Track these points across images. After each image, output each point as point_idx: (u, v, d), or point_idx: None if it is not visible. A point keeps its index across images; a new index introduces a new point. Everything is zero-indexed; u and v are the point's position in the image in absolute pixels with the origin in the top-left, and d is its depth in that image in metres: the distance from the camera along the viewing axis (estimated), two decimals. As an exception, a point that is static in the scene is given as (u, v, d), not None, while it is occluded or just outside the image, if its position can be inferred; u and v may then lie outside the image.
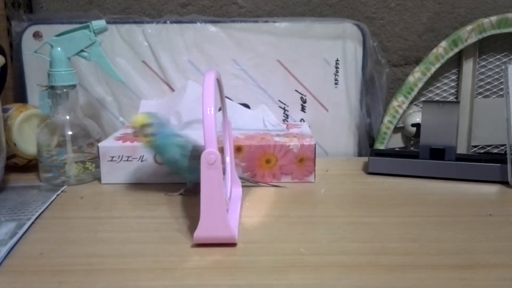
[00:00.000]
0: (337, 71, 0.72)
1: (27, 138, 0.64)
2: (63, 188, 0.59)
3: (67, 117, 0.62)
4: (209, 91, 0.43)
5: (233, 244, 0.44)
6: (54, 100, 0.62)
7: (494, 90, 0.75)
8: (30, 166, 0.66)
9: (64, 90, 0.61)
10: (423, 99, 0.75)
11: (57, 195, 0.57)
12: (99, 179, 0.63)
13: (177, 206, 0.54)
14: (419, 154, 0.64)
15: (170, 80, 0.72)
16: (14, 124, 0.63)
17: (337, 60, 0.72)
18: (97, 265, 0.41)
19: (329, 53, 0.72)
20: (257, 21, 0.71)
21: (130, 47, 0.72)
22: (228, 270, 0.40)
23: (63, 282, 0.38)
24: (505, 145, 0.77)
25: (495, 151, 0.77)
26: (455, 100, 0.74)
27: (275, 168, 0.61)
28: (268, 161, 0.61)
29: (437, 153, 0.63)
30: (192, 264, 0.42)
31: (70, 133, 0.62)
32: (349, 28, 0.71)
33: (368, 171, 0.64)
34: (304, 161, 0.61)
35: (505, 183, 0.59)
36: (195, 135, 0.64)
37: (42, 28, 0.72)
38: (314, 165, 0.61)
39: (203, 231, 0.43)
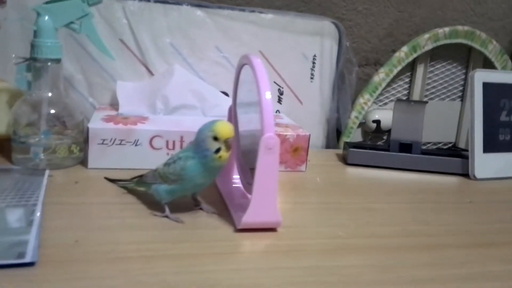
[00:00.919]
0: (313, 66, 0.75)
1: (-4, 116, 0.56)
2: (48, 173, 0.53)
3: (49, 94, 0.56)
4: (263, 75, 0.43)
5: (273, 229, 0.45)
6: (34, 74, 0.55)
7: (439, 94, 0.85)
8: (-10, 146, 0.58)
9: (49, 63, 0.55)
10: (382, 97, 0.82)
11: (47, 179, 0.51)
12: (81, 163, 0.58)
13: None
14: (389, 147, 0.70)
15: (149, 62, 0.69)
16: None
17: (314, 55, 0.75)
18: (146, 251, 0.39)
19: (308, 48, 0.75)
20: (243, 10, 0.71)
21: (106, 23, 0.66)
22: (279, 253, 0.41)
23: (124, 270, 0.36)
24: (450, 142, 0.87)
25: (444, 147, 0.87)
26: (424, 100, 0.82)
27: (270, 157, 0.62)
28: (264, 150, 0.62)
29: (405, 147, 0.70)
30: (245, 248, 0.42)
31: (52, 111, 0.56)
32: (327, 26, 0.75)
33: (347, 162, 0.69)
34: (298, 151, 0.63)
35: (465, 175, 0.68)
36: (182, 120, 0.63)
37: (4, -8, 0.63)
38: (307, 155, 0.64)
39: (252, 216, 0.43)
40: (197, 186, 0.46)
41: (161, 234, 0.42)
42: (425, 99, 0.84)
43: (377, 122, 0.80)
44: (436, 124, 0.85)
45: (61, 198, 0.48)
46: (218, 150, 0.43)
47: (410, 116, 0.70)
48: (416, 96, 0.83)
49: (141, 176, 0.49)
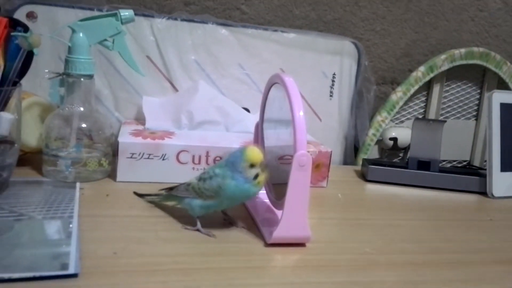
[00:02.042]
0: (332, 84, 0.77)
1: (28, 128, 0.58)
2: (79, 186, 0.55)
3: (81, 108, 0.57)
4: (297, 94, 0.44)
5: (302, 244, 0.46)
6: (68, 89, 0.57)
7: (454, 113, 0.87)
8: (21, 159, 0.60)
9: (82, 79, 0.57)
10: (398, 115, 0.83)
11: (80, 192, 0.53)
12: (110, 176, 0.59)
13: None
14: (408, 165, 0.72)
15: (173, 78, 0.70)
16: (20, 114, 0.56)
17: (334, 74, 0.77)
18: (183, 264, 0.40)
19: (328, 66, 0.76)
20: (266, 29, 0.73)
21: (134, 39, 0.68)
22: (310, 268, 0.42)
23: (164, 282, 0.37)
24: (465, 161, 0.89)
25: (459, 165, 0.88)
26: (442, 119, 0.84)
27: (292, 173, 0.63)
28: (286, 166, 0.63)
29: (424, 165, 0.71)
30: (276, 263, 0.43)
31: (84, 125, 0.57)
32: (347, 45, 0.77)
33: (367, 178, 0.70)
34: (320, 167, 0.64)
35: (483, 193, 0.69)
36: (207, 135, 0.64)
37: (37, 9, 0.65)
38: (328, 171, 0.65)
39: (283, 231, 0.44)
40: (232, 203, 0.47)
41: (195, 247, 0.43)
42: (440, 118, 0.85)
43: (394, 139, 0.81)
44: (451, 143, 0.86)
45: (94, 211, 0.49)
46: (256, 176, 0.44)
47: (429, 134, 0.71)
48: (432, 114, 0.84)
49: (170, 189, 0.50)
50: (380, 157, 0.84)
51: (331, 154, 0.65)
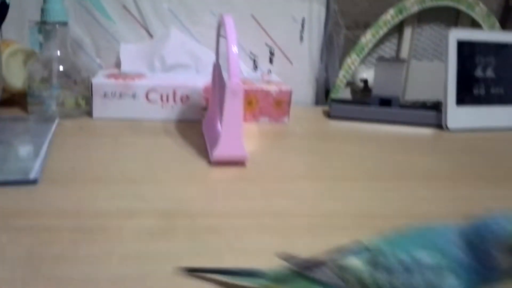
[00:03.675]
0: (302, 29, 0.81)
1: (13, 72, 0.65)
2: (57, 120, 0.62)
3: (58, 53, 0.64)
4: (232, 31, 0.49)
5: (243, 164, 0.52)
6: (45, 36, 0.63)
7: (427, 55, 0.90)
8: (11, 100, 0.67)
9: (57, 26, 0.63)
10: (371, 57, 0.87)
11: (55, 125, 0.60)
12: (88, 114, 0.66)
13: (174, 134, 0.60)
14: (371, 102, 0.76)
15: (149, 26, 0.76)
16: (1, 58, 0.63)
17: (303, 18, 0.81)
18: (130, 176, 0.47)
19: (297, 11, 0.80)
20: (235, -24, 0.77)
21: (111, -10, 0.74)
22: (247, 181, 0.48)
23: (113, 190, 0.44)
24: (439, 100, 0.92)
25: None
26: (403, 58, 0.87)
27: (255, 110, 0.69)
28: (249, 103, 0.69)
29: (385, 102, 0.75)
30: (218, 175, 0.49)
31: (61, 68, 0.64)
32: (315, -10, 0.80)
33: (330, 115, 0.75)
34: (281, 104, 0.70)
35: (439, 126, 0.73)
36: (175, 76, 0.70)
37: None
38: (289, 108, 0.70)
39: (222, 151, 0.50)
40: None
41: (145, 164, 0.50)
42: (413, 60, 0.88)
43: (365, 81, 0.85)
44: (425, 83, 0.89)
45: (65, 139, 0.56)
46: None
47: (390, 73, 0.75)
48: (404, 56, 0.87)
49: (303, 267, 0.28)
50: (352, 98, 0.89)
51: (291, 92, 0.69)
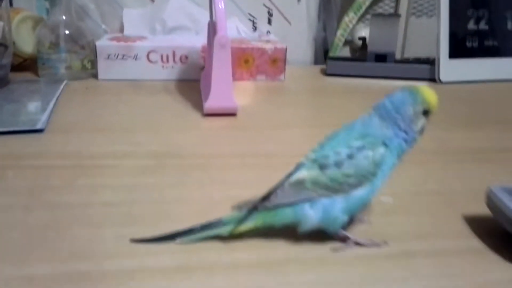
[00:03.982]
0: (299, -12, 0.83)
1: (24, 38, 0.69)
2: (65, 82, 0.66)
3: (63, 17, 0.68)
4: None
5: (233, 115, 0.55)
6: (51, 2, 0.67)
7: (426, 11, 0.90)
8: (23, 66, 0.72)
9: (61, -7, 0.67)
10: (369, 16, 0.88)
11: (64, 86, 0.64)
12: (94, 76, 0.70)
13: (173, 92, 0.64)
14: (367, 58, 0.78)
15: (150, -9, 0.79)
16: (12, 24, 0.67)
17: (300, -22, 0.83)
18: (127, 125, 0.51)
19: (293, -29, 0.82)
20: None
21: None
22: (236, 129, 0.52)
23: (111, 138, 0.48)
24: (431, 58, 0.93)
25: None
26: (397, 13, 0.88)
27: (252, 68, 0.72)
28: (246, 62, 0.71)
29: (381, 58, 0.77)
30: (210, 125, 0.53)
31: (67, 32, 0.68)
32: (311, -51, 0.82)
33: (327, 72, 0.77)
34: (276, 62, 0.72)
35: (433, 80, 0.75)
36: (175, 38, 0.74)
37: None
38: (285, 66, 0.73)
39: (213, 102, 0.54)
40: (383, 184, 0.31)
41: (142, 113, 0.54)
42: (412, 17, 0.89)
43: (363, 39, 0.87)
44: (424, 40, 0.90)
45: (72, 96, 0.61)
46: (423, 130, 0.31)
47: (385, 29, 0.77)
48: (402, 13, 0.88)
49: (252, 208, 0.30)
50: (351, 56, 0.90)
51: (286, 49, 0.72)
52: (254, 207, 0.30)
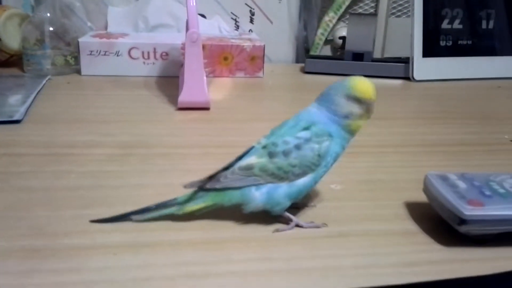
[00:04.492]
0: (281, -12, 0.85)
1: (10, 35, 0.72)
2: (48, 77, 0.68)
3: (48, 15, 0.70)
4: (191, -14, 0.54)
5: (207, 109, 0.58)
6: (36, 0, 0.70)
7: (404, 11, 0.92)
8: (10, 62, 0.74)
9: (45, -10, 0.69)
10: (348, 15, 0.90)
11: (46, 80, 0.66)
12: (78, 72, 0.72)
13: (153, 88, 0.66)
14: (344, 57, 0.80)
15: (135, -10, 0.82)
16: (-2, 21, 0.70)
17: (281, -22, 0.85)
18: (110, 116, 0.54)
19: (275, -29, 0.84)
20: None
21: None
22: (207, 122, 0.54)
23: (88, 131, 0.50)
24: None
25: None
26: (374, 13, 0.90)
27: (231, 65, 0.74)
28: (225, 59, 0.74)
29: (358, 56, 0.79)
30: (181, 118, 0.55)
31: (51, 29, 0.70)
32: (292, -50, 0.84)
33: (305, 70, 0.80)
34: (255, 59, 0.75)
35: (407, 78, 0.77)
36: (156, 35, 0.76)
37: None
38: (263, 63, 0.75)
39: (186, 96, 0.56)
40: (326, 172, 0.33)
41: (125, 110, 0.56)
42: (392, 17, 0.91)
43: (343, 38, 0.89)
44: (404, 40, 0.92)
45: (52, 91, 0.63)
46: (350, 116, 0.32)
47: (363, 28, 0.79)
48: (382, 13, 0.90)
49: (198, 188, 0.32)
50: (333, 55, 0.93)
51: (264, 47, 0.74)
52: (204, 187, 0.32)
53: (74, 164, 0.41)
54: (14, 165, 0.40)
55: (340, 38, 0.89)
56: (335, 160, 0.33)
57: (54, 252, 0.29)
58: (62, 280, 0.26)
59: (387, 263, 0.29)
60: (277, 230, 0.32)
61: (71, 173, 0.39)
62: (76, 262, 0.28)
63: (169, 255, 0.29)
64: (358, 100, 0.32)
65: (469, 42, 0.77)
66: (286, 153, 0.32)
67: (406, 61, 0.79)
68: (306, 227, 0.33)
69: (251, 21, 0.86)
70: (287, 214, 0.33)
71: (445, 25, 0.76)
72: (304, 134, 0.32)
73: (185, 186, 0.33)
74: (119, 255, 0.29)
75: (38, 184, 0.37)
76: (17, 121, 0.50)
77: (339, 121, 0.32)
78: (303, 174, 0.32)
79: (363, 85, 0.32)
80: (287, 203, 0.32)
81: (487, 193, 0.31)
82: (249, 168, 0.32)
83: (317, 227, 0.33)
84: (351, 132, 0.33)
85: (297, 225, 0.33)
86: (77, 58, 0.72)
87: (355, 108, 0.32)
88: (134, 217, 0.32)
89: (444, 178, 0.33)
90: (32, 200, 0.35)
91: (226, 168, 0.33)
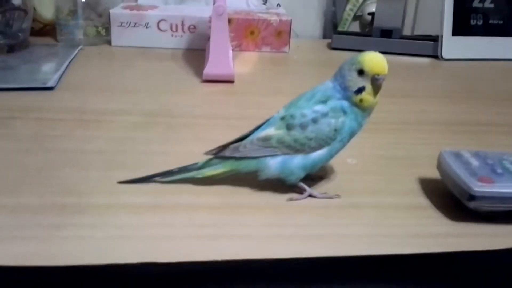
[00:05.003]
0: (310, -37, 0.84)
1: (44, 5, 0.74)
2: (80, 47, 0.71)
3: (81, -13, 0.72)
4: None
5: (231, 82, 0.59)
6: (69, -29, 0.72)
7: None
8: (44, 31, 0.77)
9: (79, -38, 0.71)
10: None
11: (78, 50, 0.69)
12: (108, 42, 0.74)
13: (180, 60, 0.67)
14: (372, 33, 0.79)
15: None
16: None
17: (311, -48, 0.84)
18: (137, 86, 0.56)
19: None
20: None
21: None
22: (231, 94, 0.55)
23: (117, 100, 0.52)
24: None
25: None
26: None
27: (257, 39, 0.75)
28: (252, 33, 0.74)
29: (386, 33, 0.78)
30: (206, 90, 0.56)
31: (83, 0, 0.72)
32: None
33: (332, 46, 0.79)
34: (281, 34, 0.75)
35: (435, 57, 0.76)
36: (185, 8, 0.77)
37: None
38: (289, 38, 0.75)
39: (211, 69, 0.57)
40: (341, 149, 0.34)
41: (154, 80, 0.58)
42: (424, -6, 0.89)
43: (373, 14, 0.88)
44: (436, 18, 0.90)
45: (86, 60, 0.65)
46: (359, 90, 0.32)
47: (392, 5, 0.78)
48: (414, -10, 0.89)
49: (215, 154, 0.34)
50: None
51: (291, 22, 0.74)
52: (223, 155, 0.34)
53: (101, 130, 0.43)
54: (47, 128, 0.43)
55: (369, 14, 0.88)
56: (351, 136, 0.34)
57: (81, 209, 0.31)
58: (87, 235, 0.29)
59: (395, 234, 0.30)
60: (291, 199, 0.34)
61: (98, 138, 0.41)
62: (100, 219, 0.30)
63: (187, 217, 0.31)
64: (366, 74, 0.32)
65: (500, 21, 0.75)
66: (303, 126, 0.33)
67: (435, 39, 0.78)
68: (319, 198, 0.34)
69: (280, -5, 0.86)
70: (301, 184, 0.34)
71: (476, 3, 0.74)
72: (321, 108, 0.33)
73: (206, 153, 0.35)
74: (140, 214, 0.31)
75: (68, 146, 0.39)
76: (50, 88, 0.52)
77: (350, 97, 0.33)
78: (319, 147, 0.33)
79: (372, 60, 0.32)
80: (302, 174, 0.34)
81: (499, 171, 0.31)
82: (267, 139, 0.33)
83: (330, 197, 0.34)
84: (363, 109, 0.33)
85: (311, 195, 0.34)
86: (108, 29, 0.74)
87: (363, 83, 0.32)
88: (157, 178, 0.34)
89: (458, 156, 0.34)
90: (62, 162, 0.37)
91: (245, 137, 0.34)
